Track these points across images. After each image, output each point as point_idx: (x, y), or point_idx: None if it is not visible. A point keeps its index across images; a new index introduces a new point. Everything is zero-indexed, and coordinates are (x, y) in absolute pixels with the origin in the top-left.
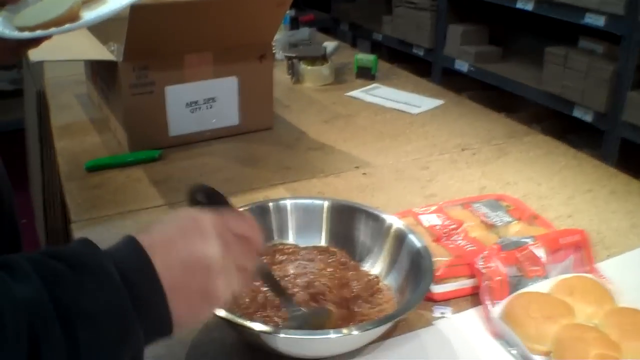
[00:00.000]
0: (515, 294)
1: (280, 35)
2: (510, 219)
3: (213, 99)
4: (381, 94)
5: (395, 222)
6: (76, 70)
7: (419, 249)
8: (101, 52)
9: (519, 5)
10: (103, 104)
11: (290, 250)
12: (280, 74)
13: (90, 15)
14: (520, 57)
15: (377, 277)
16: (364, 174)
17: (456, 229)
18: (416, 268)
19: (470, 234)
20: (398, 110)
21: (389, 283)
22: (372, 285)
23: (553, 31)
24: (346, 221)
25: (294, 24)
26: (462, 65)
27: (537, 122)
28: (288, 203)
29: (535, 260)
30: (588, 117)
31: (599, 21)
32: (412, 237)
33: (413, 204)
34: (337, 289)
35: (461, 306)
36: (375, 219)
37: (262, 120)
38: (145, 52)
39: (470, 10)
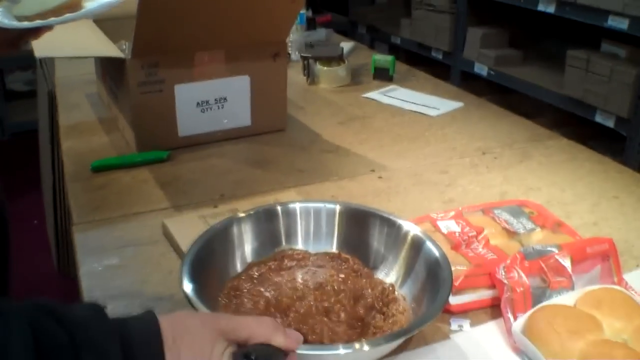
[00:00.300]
0: (538, 306)
1: (296, 36)
2: (533, 226)
3: (224, 99)
4: (399, 96)
5: (411, 228)
6: (87, 70)
7: (437, 258)
8: (109, 49)
9: (540, 7)
10: (112, 103)
11: (300, 256)
12: (295, 75)
13: (92, 4)
14: (540, 61)
15: (391, 285)
16: (379, 177)
17: (476, 236)
18: (433, 278)
19: (491, 241)
20: (416, 112)
21: (405, 293)
22: (386, 295)
23: (574, 35)
24: (359, 226)
25: (311, 24)
26: (481, 69)
27: (557, 127)
28: (297, 206)
29: (560, 270)
30: (610, 123)
31: (622, 24)
32: (429, 245)
33: (431, 209)
34: (351, 307)
35: (480, 319)
36: (391, 224)
37: (275, 121)
38: (155, 48)
39: (490, 12)
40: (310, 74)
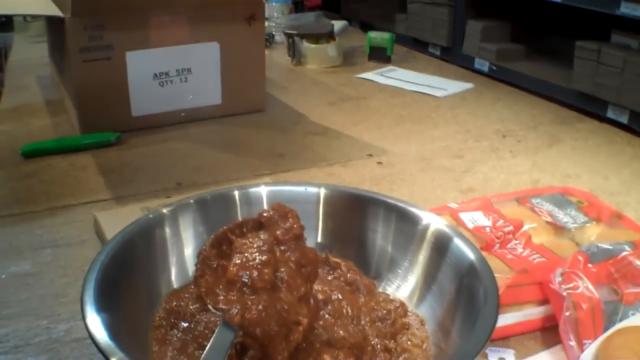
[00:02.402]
0: (614, 329)
1: (282, 20)
2: (585, 219)
3: (188, 70)
4: (399, 77)
5: (432, 220)
6: (44, 52)
7: (472, 262)
8: (44, 6)
9: None
10: (58, 79)
11: None
12: (279, 56)
13: None
14: (545, 55)
15: (402, 304)
16: (379, 163)
17: (513, 232)
18: (468, 292)
19: (534, 239)
20: (420, 93)
21: (423, 314)
22: (394, 319)
23: (581, 28)
24: (355, 218)
25: (300, 8)
26: (482, 65)
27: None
28: (264, 191)
29: (636, 276)
30: (623, 118)
31: (636, 11)
32: (459, 244)
33: (446, 199)
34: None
35: (528, 348)
36: (402, 215)
37: (251, 99)
38: (100, 6)
39: (491, 5)
40: (295, 54)
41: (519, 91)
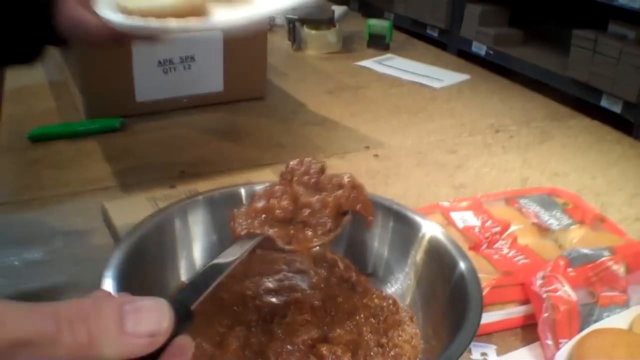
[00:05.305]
0: (588, 330)
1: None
2: (569, 221)
3: (192, 58)
4: (397, 65)
5: (429, 227)
6: None
7: (463, 272)
8: None
9: None
10: (63, 62)
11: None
12: (279, 40)
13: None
14: (542, 41)
15: (394, 301)
16: (375, 155)
17: (501, 232)
18: (456, 297)
19: (519, 240)
20: (417, 83)
21: (414, 312)
22: (387, 316)
23: (579, 15)
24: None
25: None
26: (479, 48)
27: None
28: None
29: (612, 281)
30: (617, 108)
31: (634, 2)
32: (452, 251)
33: (438, 195)
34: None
35: (509, 344)
36: (400, 219)
37: (252, 87)
38: None
39: None
40: (295, 39)
41: (515, 84)
